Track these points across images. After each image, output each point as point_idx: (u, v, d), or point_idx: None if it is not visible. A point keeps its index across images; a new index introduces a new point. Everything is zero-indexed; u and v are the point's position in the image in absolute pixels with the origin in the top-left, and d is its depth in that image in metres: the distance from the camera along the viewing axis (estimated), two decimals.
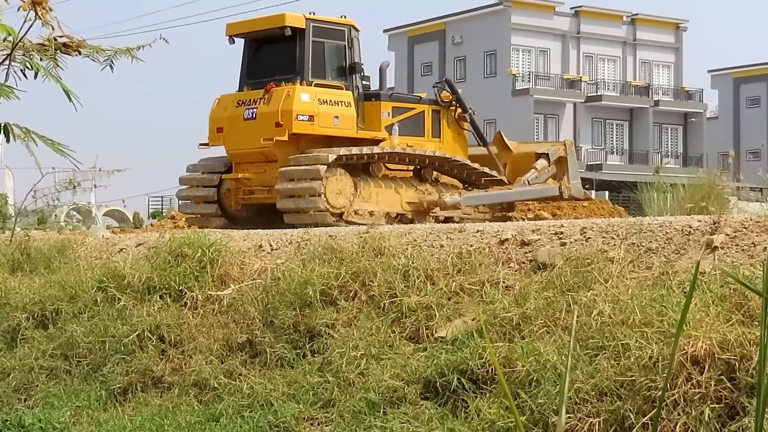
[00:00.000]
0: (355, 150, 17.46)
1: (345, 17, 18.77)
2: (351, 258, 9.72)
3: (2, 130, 9.00)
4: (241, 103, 18.04)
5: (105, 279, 11.37)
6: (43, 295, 11.78)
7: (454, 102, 19.83)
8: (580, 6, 67.33)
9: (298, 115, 17.30)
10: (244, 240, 12.08)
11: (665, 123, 70.12)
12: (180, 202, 20.83)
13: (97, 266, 12.45)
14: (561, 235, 9.16)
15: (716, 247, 7.92)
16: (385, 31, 73.43)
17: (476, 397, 7.34)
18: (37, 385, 10.51)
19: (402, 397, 7.80)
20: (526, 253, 9.15)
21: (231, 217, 18.46)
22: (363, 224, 17.12)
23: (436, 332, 8.42)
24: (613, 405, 6.50)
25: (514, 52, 65.30)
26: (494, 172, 19.52)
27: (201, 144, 18.75)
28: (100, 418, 9.49)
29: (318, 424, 8.18)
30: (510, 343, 7.55)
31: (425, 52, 69.98)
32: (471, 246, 9.53)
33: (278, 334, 9.38)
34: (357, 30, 18.77)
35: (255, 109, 17.78)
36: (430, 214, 18.49)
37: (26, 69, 7.14)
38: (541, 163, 20.05)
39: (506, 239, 9.45)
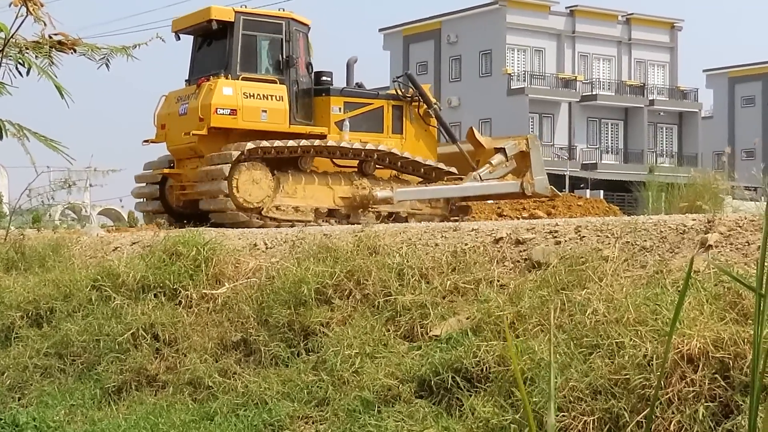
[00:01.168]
0: (264, 144, 17.13)
1: (283, 10, 18.49)
2: (346, 256, 9.72)
3: None
4: (179, 99, 17.96)
5: (99, 278, 11.36)
6: (38, 294, 11.77)
7: (416, 97, 19.35)
8: (575, 5, 67.39)
9: (217, 108, 17.08)
10: (239, 239, 12.09)
11: (660, 122, 70.20)
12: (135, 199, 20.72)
13: (92, 265, 12.45)
14: (556, 234, 9.17)
15: (710, 245, 7.92)
16: (380, 30, 73.50)
17: (471, 395, 7.34)
18: (31, 384, 10.51)
19: (396, 395, 7.80)
20: (520, 251, 9.15)
21: (175, 213, 18.28)
22: (286, 220, 16.99)
23: (430, 331, 8.42)
24: (607, 403, 6.50)
25: (510, 52, 65.36)
26: (452, 168, 19.02)
27: (144, 141, 18.66)
28: (95, 416, 9.48)
29: (312, 423, 8.18)
30: (505, 342, 7.55)
31: (420, 52, 70.03)
32: (466, 245, 9.53)
33: (273, 333, 9.38)
34: (302, 23, 18.42)
35: (187, 104, 17.68)
36: (370, 209, 18.12)
37: (19, 66, 7.14)
38: (497, 158, 19.27)
39: (501, 238, 9.46)
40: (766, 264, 2.20)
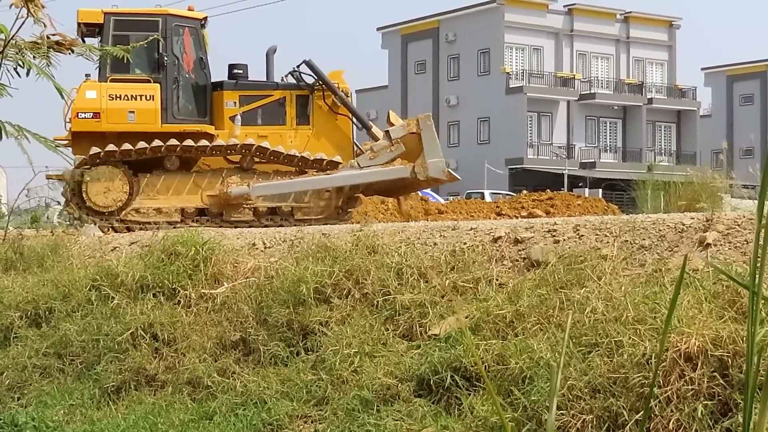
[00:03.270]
0: (111, 147, 16.82)
1: (159, 6, 18.12)
2: (344, 256, 9.73)
3: None
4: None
5: (98, 277, 11.36)
6: (37, 294, 11.77)
7: (320, 86, 18.42)
8: (574, 4, 67.47)
9: (78, 113, 16.87)
10: (238, 238, 12.09)
11: (658, 121, 70.24)
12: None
13: (91, 265, 12.44)
14: (554, 233, 9.17)
15: (709, 244, 7.93)
16: (378, 29, 73.61)
17: (470, 394, 7.35)
18: (30, 384, 10.50)
19: (395, 394, 7.81)
20: (519, 250, 9.16)
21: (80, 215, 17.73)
22: (146, 223, 16.69)
23: (429, 330, 8.42)
24: (606, 402, 6.51)
25: (508, 50, 65.42)
26: (337, 158, 17.99)
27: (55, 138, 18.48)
28: (94, 416, 9.48)
29: (311, 422, 8.18)
30: (503, 341, 7.56)
31: (419, 50, 70.09)
32: (464, 244, 9.53)
33: (272, 332, 9.38)
34: (187, 18, 18.01)
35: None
36: (245, 206, 17.57)
37: (19, 67, 7.15)
38: (380, 142, 17.93)
39: (500, 237, 9.46)
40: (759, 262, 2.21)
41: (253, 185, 17.57)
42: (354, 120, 18.82)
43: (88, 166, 16.85)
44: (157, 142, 17.12)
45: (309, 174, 18.02)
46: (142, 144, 17.04)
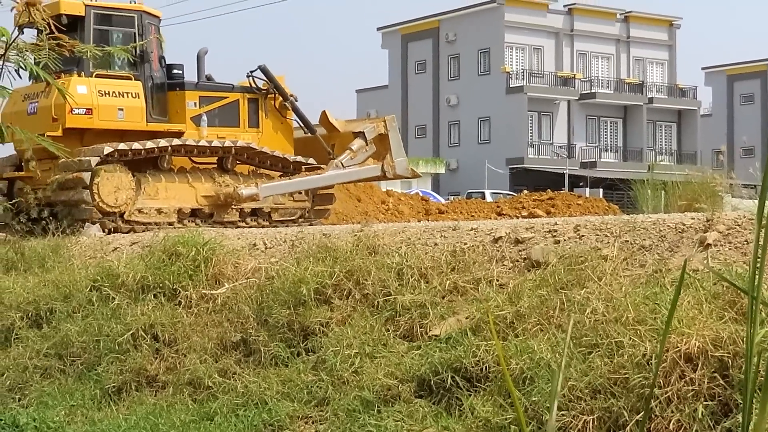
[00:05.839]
0: (122, 146, 16.43)
1: (135, 2, 17.73)
2: (345, 256, 9.73)
3: None
4: (26, 97, 17.07)
5: (99, 278, 11.37)
6: (38, 295, 11.78)
7: (272, 90, 18.84)
8: (574, 3, 67.45)
9: (72, 108, 16.27)
10: (238, 239, 12.09)
11: (659, 120, 70.23)
12: None
13: (92, 265, 12.45)
14: (555, 233, 9.17)
15: (709, 244, 7.93)
16: (378, 29, 73.54)
17: (470, 395, 7.35)
18: (31, 385, 10.51)
19: (396, 395, 7.81)
20: (519, 251, 9.16)
21: (28, 216, 16.81)
22: (148, 223, 16.43)
23: (430, 330, 8.43)
24: (606, 402, 6.52)
25: (508, 50, 65.39)
26: (311, 160, 18.56)
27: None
28: (95, 417, 9.49)
29: (312, 423, 8.19)
30: (504, 341, 7.57)
31: (419, 50, 70.05)
32: (465, 244, 9.54)
33: (272, 333, 9.39)
34: (154, 16, 17.84)
35: (36, 103, 16.93)
36: (233, 206, 17.65)
37: (20, 69, 7.17)
38: (357, 143, 18.83)
39: (500, 237, 9.46)
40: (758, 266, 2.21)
41: (262, 186, 17.80)
42: (300, 124, 19.34)
43: (100, 165, 16.39)
44: (163, 142, 16.97)
45: (303, 175, 18.49)
46: (150, 143, 16.82)
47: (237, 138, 17.99)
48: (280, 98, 18.89)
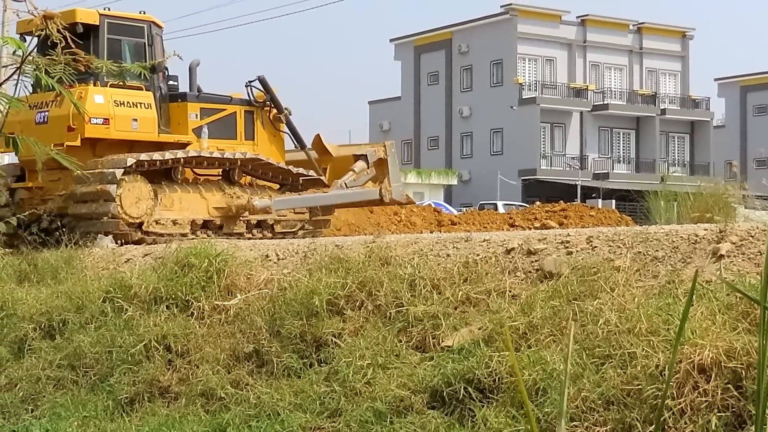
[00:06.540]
0: (157, 156, 16.46)
1: (144, 12, 17.72)
2: (357, 268, 9.73)
3: (11, 143, 9.07)
4: (33, 106, 16.58)
5: (112, 289, 11.39)
6: (50, 306, 11.80)
7: (268, 102, 18.92)
8: (587, 15, 67.45)
9: (91, 118, 16.18)
10: (251, 250, 12.10)
11: (672, 131, 70.13)
12: None
13: (104, 277, 12.48)
14: (567, 244, 9.16)
15: (722, 255, 7.91)
16: (391, 40, 73.67)
17: (483, 406, 7.34)
18: (44, 396, 10.53)
19: (409, 406, 7.80)
20: (532, 262, 9.15)
21: (27, 227, 16.41)
22: (165, 234, 16.37)
23: (442, 341, 8.42)
24: (619, 413, 6.50)
25: (521, 61, 65.42)
26: (311, 172, 18.76)
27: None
28: (108, 428, 9.50)
29: None
30: (517, 352, 7.56)
31: (432, 62, 70.13)
32: (477, 255, 9.53)
33: (285, 344, 9.39)
34: (159, 27, 17.80)
35: (47, 113, 16.68)
36: (241, 218, 17.68)
37: (36, 82, 7.21)
38: (360, 165, 19.23)
39: (513, 248, 9.46)
40: None
41: (276, 198, 17.99)
42: (292, 138, 19.46)
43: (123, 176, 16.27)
44: (181, 154, 16.97)
45: (312, 191, 18.80)
46: (168, 154, 16.79)
47: (234, 150, 18.01)
48: (275, 110, 19.00)
